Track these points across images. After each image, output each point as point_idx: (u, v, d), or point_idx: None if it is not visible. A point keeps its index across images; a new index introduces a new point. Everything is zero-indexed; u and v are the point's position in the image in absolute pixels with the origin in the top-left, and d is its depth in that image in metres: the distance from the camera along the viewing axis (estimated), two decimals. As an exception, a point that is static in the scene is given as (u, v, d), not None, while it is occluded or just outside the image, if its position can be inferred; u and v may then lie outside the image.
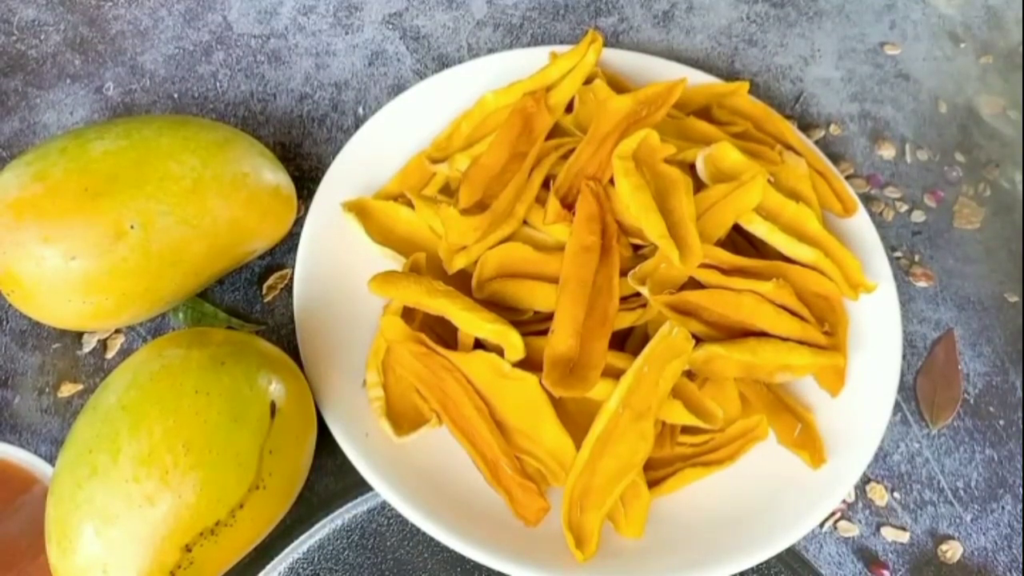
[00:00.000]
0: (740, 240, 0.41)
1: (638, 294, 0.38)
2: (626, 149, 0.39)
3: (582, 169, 0.40)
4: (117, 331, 0.42)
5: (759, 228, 0.39)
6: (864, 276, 0.41)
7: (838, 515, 0.41)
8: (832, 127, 0.52)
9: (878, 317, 0.41)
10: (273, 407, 0.33)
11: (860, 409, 0.39)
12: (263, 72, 0.51)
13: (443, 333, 0.38)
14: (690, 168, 0.41)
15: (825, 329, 0.39)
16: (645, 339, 0.36)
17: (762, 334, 0.38)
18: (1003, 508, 0.42)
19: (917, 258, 0.48)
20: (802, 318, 0.39)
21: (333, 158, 0.44)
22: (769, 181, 0.40)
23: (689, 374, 0.37)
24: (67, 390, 0.41)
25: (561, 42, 0.54)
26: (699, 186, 0.40)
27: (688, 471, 0.38)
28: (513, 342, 0.35)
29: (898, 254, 0.48)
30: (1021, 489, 0.42)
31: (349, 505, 0.38)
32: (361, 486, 0.37)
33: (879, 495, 0.41)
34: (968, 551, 0.41)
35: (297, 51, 0.52)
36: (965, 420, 0.44)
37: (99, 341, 0.42)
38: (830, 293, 0.40)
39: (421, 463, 0.36)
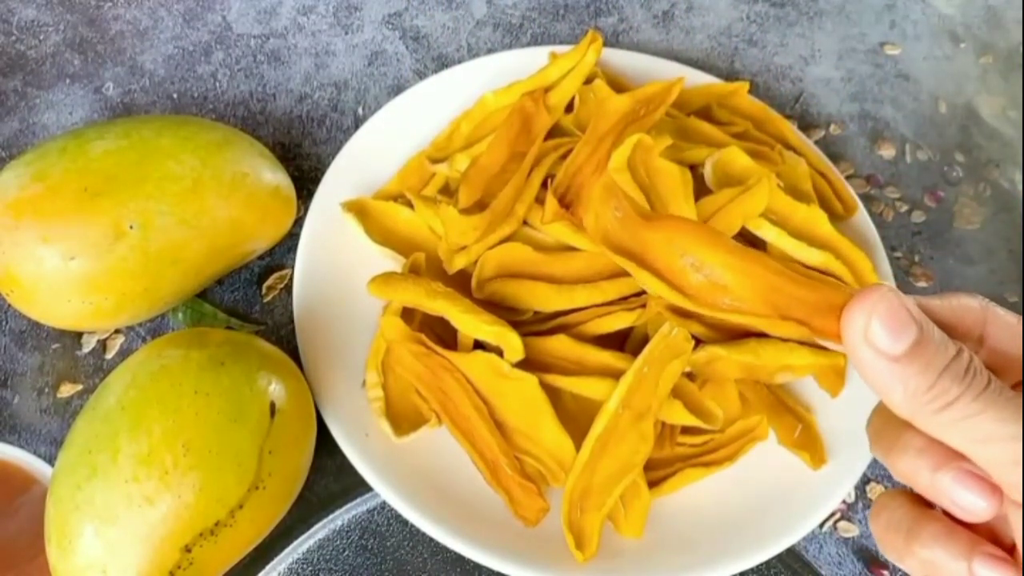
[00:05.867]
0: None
1: (638, 294, 0.38)
2: (619, 161, 0.38)
3: (580, 168, 0.40)
4: (117, 331, 0.42)
5: (768, 233, 0.39)
6: (876, 276, 0.41)
7: (838, 515, 0.41)
8: (832, 127, 0.52)
9: (878, 317, 0.41)
10: (273, 407, 0.33)
11: (860, 409, 0.39)
12: (263, 72, 0.51)
13: (443, 333, 0.38)
14: (690, 169, 0.41)
15: None
16: (645, 339, 0.36)
17: (762, 335, 0.38)
18: (1003, 508, 0.41)
19: (917, 258, 0.48)
20: None
21: (333, 158, 0.44)
22: (780, 186, 0.40)
23: (689, 374, 0.37)
24: (66, 390, 0.41)
25: (561, 42, 0.53)
26: (700, 189, 0.40)
27: (688, 471, 0.37)
28: (512, 343, 0.35)
29: (898, 254, 0.48)
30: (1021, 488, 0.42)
31: (349, 505, 0.38)
32: (361, 486, 0.37)
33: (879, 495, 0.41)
34: (968, 551, 0.40)
35: (297, 51, 0.52)
36: (965, 420, 0.43)
37: (99, 341, 0.42)
38: None
39: (421, 463, 0.36)
